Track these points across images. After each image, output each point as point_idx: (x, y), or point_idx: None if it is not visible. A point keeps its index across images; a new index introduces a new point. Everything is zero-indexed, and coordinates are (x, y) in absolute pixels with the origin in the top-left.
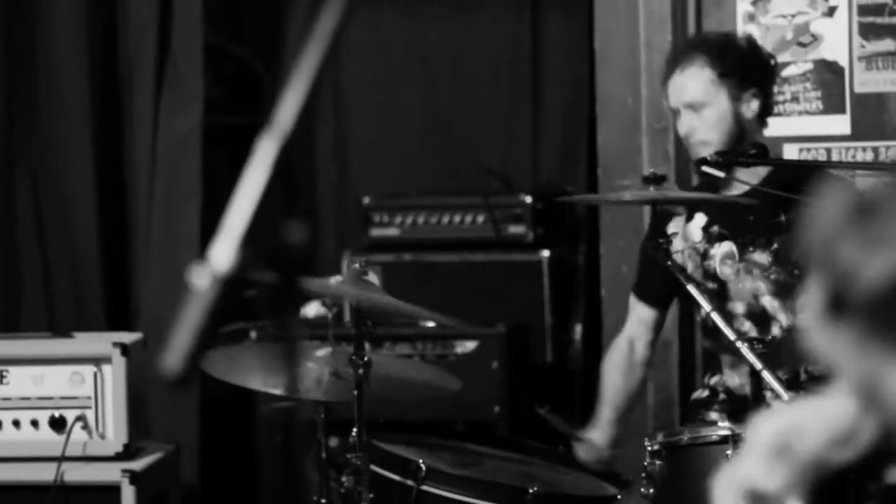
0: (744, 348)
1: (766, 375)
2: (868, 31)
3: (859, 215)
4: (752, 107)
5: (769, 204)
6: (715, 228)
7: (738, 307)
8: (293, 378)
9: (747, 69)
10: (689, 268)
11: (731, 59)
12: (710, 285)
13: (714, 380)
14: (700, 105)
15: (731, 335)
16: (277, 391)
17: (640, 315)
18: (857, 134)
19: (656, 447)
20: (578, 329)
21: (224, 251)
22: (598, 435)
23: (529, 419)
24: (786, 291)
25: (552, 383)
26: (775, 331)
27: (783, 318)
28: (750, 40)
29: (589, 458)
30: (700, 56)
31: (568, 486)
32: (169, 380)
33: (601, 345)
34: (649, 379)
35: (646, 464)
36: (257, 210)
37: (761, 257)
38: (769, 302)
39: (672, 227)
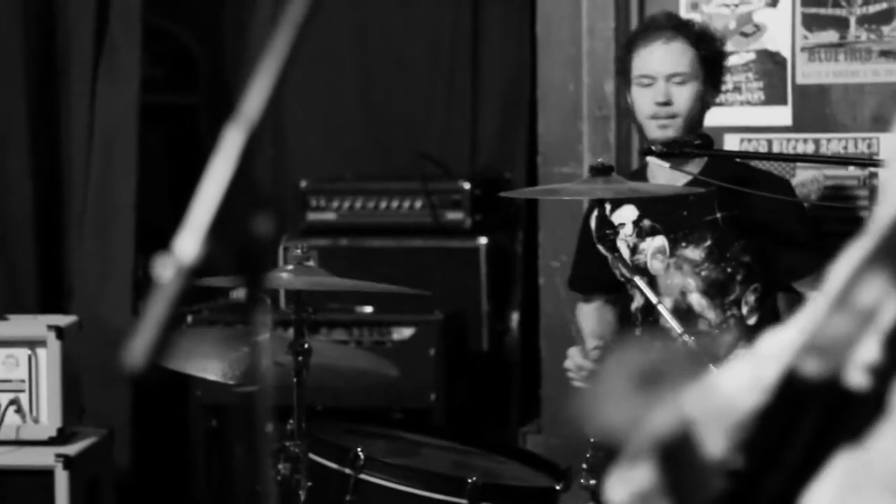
0: (690, 342)
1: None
2: (811, 22)
3: (643, 381)
4: (711, 97)
5: (704, 200)
6: (647, 222)
7: (665, 302)
8: (257, 368)
9: (720, 61)
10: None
11: (710, 46)
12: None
13: None
14: (684, 78)
15: (677, 328)
16: (213, 377)
17: (584, 310)
18: (798, 125)
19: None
20: (515, 317)
21: (189, 243)
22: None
23: (465, 408)
24: (715, 289)
25: (489, 371)
26: (701, 328)
27: (710, 316)
28: (722, 36)
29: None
30: (685, 36)
31: (506, 476)
32: (134, 374)
33: (538, 333)
34: None
35: (588, 455)
36: (223, 202)
37: (693, 253)
38: (697, 299)
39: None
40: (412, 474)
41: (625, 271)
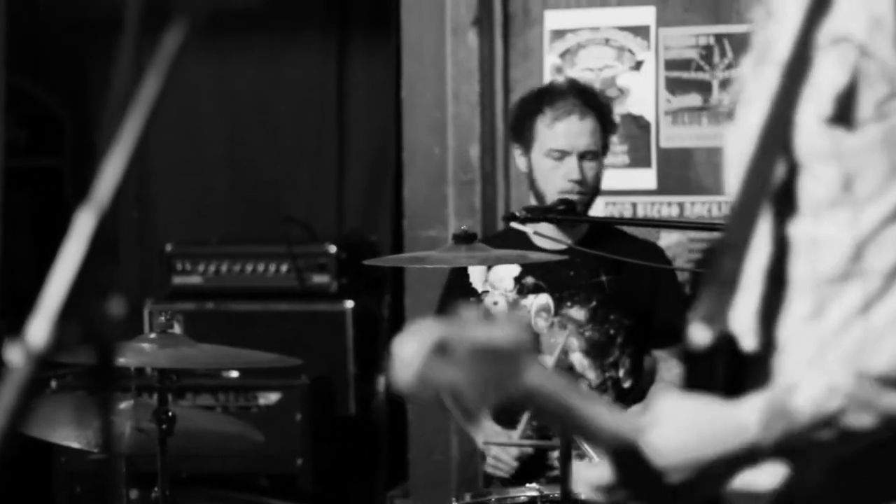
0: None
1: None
2: (674, 86)
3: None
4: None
5: (591, 262)
6: (530, 280)
7: (547, 361)
8: (108, 438)
9: (612, 134)
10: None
11: (611, 120)
12: None
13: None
14: (593, 156)
15: None
16: (77, 445)
17: None
18: (662, 188)
19: None
20: (382, 381)
21: (40, 327)
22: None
23: (332, 472)
24: (597, 350)
25: (356, 435)
26: (582, 388)
27: (591, 376)
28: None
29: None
30: (594, 111)
31: None
32: None
33: (404, 397)
34: (453, 433)
35: None
36: (73, 284)
37: (578, 313)
38: (578, 359)
39: (472, 274)
40: None
41: None
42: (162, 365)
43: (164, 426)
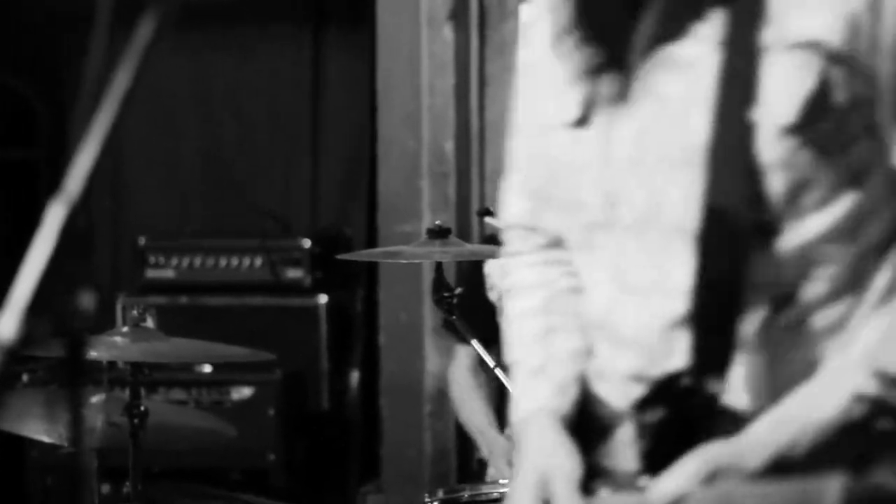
0: None
1: None
2: None
3: None
4: None
5: None
6: None
7: None
8: (79, 433)
9: None
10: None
11: None
12: None
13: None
14: None
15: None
16: (48, 439)
17: (459, 373)
18: None
19: (436, 503)
20: (355, 376)
21: (10, 321)
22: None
23: (305, 468)
24: None
25: (328, 430)
26: None
27: None
28: None
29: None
30: None
31: None
32: None
33: (377, 392)
34: (427, 428)
35: None
36: (43, 277)
37: None
38: None
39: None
40: None
41: (464, 333)
42: (134, 359)
43: (136, 420)
